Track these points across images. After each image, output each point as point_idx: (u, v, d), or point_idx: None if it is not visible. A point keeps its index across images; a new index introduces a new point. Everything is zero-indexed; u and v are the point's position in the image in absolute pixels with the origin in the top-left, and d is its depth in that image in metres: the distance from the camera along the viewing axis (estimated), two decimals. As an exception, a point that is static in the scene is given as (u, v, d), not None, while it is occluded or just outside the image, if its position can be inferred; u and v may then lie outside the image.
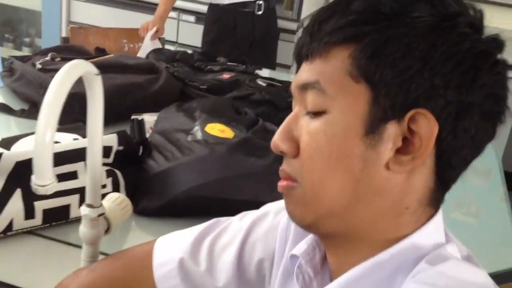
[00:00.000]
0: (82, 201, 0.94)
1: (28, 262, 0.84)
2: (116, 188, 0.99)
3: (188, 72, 1.71)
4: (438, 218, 0.49)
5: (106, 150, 0.98)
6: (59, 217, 0.94)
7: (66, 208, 0.94)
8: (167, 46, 2.35)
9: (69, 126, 1.12)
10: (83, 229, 0.70)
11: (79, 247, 0.89)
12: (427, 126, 0.44)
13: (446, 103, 0.44)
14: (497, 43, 0.46)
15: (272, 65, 2.47)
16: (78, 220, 0.92)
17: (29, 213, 0.90)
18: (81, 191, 0.94)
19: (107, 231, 0.73)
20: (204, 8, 2.55)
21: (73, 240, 0.90)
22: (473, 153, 0.47)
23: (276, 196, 0.57)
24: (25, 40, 3.39)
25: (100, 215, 0.70)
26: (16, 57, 1.60)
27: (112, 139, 1.01)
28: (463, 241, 0.53)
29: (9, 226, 0.88)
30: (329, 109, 0.46)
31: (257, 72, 1.85)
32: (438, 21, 0.44)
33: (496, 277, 0.60)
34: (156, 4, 2.32)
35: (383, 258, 0.47)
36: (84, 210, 0.70)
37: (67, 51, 1.65)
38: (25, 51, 3.27)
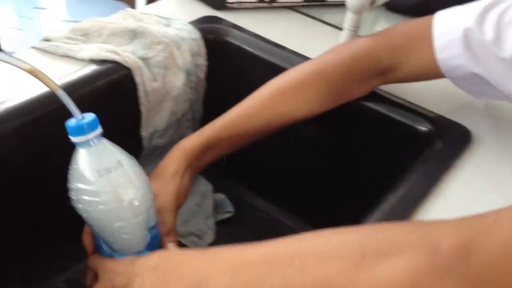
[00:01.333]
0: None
1: (286, 33, 0.91)
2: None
3: None
4: None
5: None
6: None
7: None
8: None
9: None
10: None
11: (333, 26, 0.94)
12: None
13: None
14: None
15: None
16: (335, 4, 0.97)
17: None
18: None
19: (374, 3, 0.76)
20: None
21: (328, 20, 0.96)
22: None
23: None
24: None
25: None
26: None
27: None
28: None
29: (275, -2, 0.97)
30: None
31: None
32: None
33: None
34: None
35: None
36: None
37: None
38: None
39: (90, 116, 0.50)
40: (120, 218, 0.52)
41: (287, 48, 0.85)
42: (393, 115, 0.74)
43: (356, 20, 0.78)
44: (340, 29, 0.82)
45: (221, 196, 0.90)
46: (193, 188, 0.88)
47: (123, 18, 0.82)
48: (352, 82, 0.72)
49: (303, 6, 1.00)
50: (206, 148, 0.67)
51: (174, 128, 0.83)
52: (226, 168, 0.96)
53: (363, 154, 0.80)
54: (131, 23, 0.79)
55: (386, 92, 0.76)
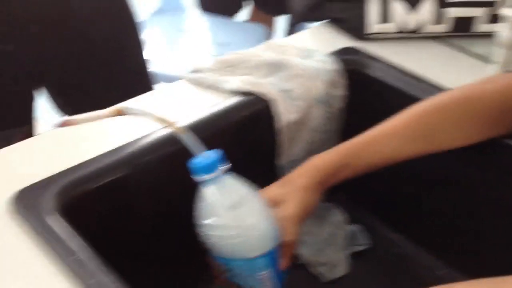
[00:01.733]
0: (491, 16, 0.94)
1: (428, 65, 0.88)
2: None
3: None
4: None
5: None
6: (465, 28, 0.95)
7: (474, 20, 0.94)
8: None
9: None
10: (501, 30, 0.70)
11: (481, 58, 0.89)
12: None
13: None
14: None
15: None
16: (482, 35, 0.92)
17: (439, 19, 0.93)
18: (491, 4, 0.92)
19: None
20: None
21: (475, 51, 0.91)
22: None
23: None
24: None
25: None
26: None
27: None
28: None
29: (418, 28, 0.94)
30: None
31: None
32: None
33: None
34: None
35: None
36: (508, 12, 0.69)
37: None
38: None
39: (213, 154, 0.51)
40: (248, 248, 0.54)
41: (429, 81, 0.82)
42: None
43: (508, 55, 0.74)
44: (487, 61, 0.78)
45: (356, 228, 0.88)
46: (327, 218, 0.88)
47: (265, 50, 0.85)
48: (505, 113, 0.66)
49: (447, 36, 0.96)
50: (339, 167, 0.66)
51: (311, 158, 0.84)
52: (361, 198, 0.95)
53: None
54: (273, 56, 0.82)
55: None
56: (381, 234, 0.91)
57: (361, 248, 0.86)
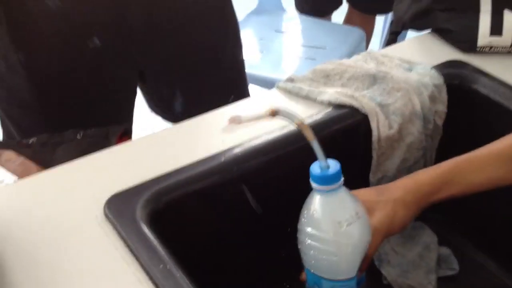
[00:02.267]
0: None
1: None
2: None
3: None
4: None
5: None
6: None
7: None
8: None
9: None
10: None
11: None
12: None
13: None
14: None
15: None
16: None
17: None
18: None
19: None
20: None
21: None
22: None
23: None
24: None
25: None
26: None
27: None
28: None
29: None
30: None
31: None
32: None
33: None
34: None
35: None
36: None
37: None
38: None
39: (336, 166, 0.50)
40: (338, 270, 0.52)
41: (543, 102, 0.76)
42: None
43: None
44: None
45: (446, 251, 0.84)
46: (417, 238, 0.84)
47: (364, 60, 0.83)
48: None
49: None
50: (441, 185, 0.62)
51: (404, 175, 0.81)
52: (453, 220, 0.90)
53: None
54: (372, 67, 0.79)
55: None
56: (472, 259, 0.86)
57: (451, 273, 0.82)
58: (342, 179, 0.51)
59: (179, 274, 0.50)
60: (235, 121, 0.48)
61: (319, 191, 0.50)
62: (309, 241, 0.51)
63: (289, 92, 0.78)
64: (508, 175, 0.64)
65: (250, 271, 0.74)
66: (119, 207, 0.57)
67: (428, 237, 0.84)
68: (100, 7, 0.86)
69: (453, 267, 0.83)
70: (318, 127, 0.73)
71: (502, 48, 0.87)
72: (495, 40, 0.87)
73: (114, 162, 0.66)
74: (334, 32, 1.74)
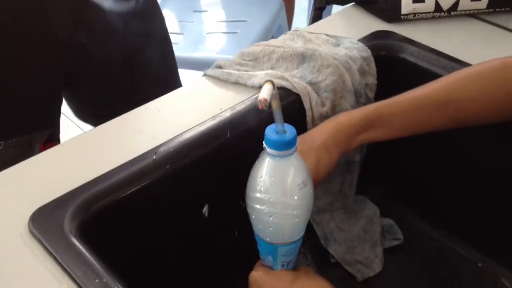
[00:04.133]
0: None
1: (467, 43, 0.83)
2: None
3: None
4: None
5: None
6: (504, 3, 0.89)
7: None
8: None
9: None
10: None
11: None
12: None
13: None
14: None
15: None
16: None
17: (477, -6, 0.87)
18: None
19: None
20: None
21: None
22: None
23: None
24: None
25: None
26: None
27: None
28: None
29: (455, 5, 0.88)
30: None
31: None
32: None
33: None
34: None
35: None
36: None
37: None
38: None
39: (292, 130, 0.49)
40: (296, 230, 0.53)
41: (470, 64, 0.77)
42: None
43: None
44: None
45: (389, 222, 0.85)
46: (360, 212, 0.84)
47: (291, 39, 0.81)
48: None
49: (486, 13, 0.90)
50: (364, 126, 0.63)
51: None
52: (394, 190, 0.91)
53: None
54: (299, 45, 0.77)
55: None
56: (415, 227, 0.87)
57: (396, 243, 0.83)
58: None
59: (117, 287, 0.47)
60: (264, 104, 0.45)
61: (278, 156, 0.49)
62: (268, 208, 0.50)
63: (217, 79, 0.75)
64: (429, 120, 0.64)
65: (194, 278, 0.72)
66: (45, 221, 0.53)
67: (370, 210, 0.84)
68: None
69: (397, 237, 0.83)
70: (251, 112, 0.71)
71: (426, 13, 0.88)
72: (419, 7, 0.87)
73: (38, 172, 0.61)
74: (253, 4, 1.76)
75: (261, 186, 0.50)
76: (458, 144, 0.80)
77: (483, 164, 0.78)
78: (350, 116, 0.63)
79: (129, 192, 0.57)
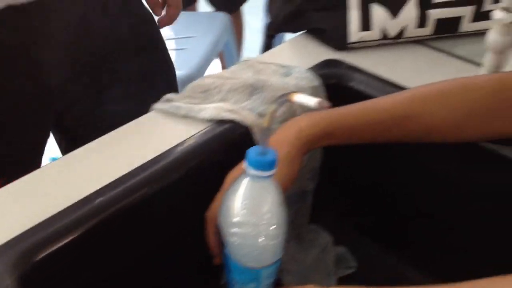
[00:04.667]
0: (476, 14, 0.90)
1: (413, 69, 0.85)
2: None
3: None
4: None
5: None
6: (449, 29, 0.91)
7: (458, 21, 0.90)
8: None
9: None
10: (492, 35, 0.66)
11: (467, 60, 0.85)
12: None
13: None
14: None
15: None
16: (466, 34, 0.88)
17: (422, 22, 0.89)
18: (477, 2, 0.88)
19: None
20: None
21: (460, 53, 0.87)
22: None
23: None
24: None
25: (516, 24, 0.63)
26: None
27: None
28: None
29: (401, 33, 0.89)
30: None
31: None
32: None
33: None
34: None
35: None
36: (497, 15, 0.65)
37: None
38: None
39: (272, 150, 0.49)
40: (271, 254, 0.52)
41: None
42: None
43: (498, 59, 0.70)
44: (476, 63, 0.74)
45: (342, 250, 0.85)
46: (313, 241, 0.84)
47: (241, 69, 0.80)
48: (501, 110, 0.61)
49: (431, 39, 0.92)
50: (325, 135, 0.62)
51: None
52: (348, 217, 0.91)
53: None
54: (249, 77, 0.77)
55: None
56: (370, 254, 0.88)
57: (349, 271, 0.83)
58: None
59: None
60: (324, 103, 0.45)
61: (262, 177, 0.49)
62: (253, 231, 0.50)
63: (166, 113, 0.74)
64: (387, 133, 0.64)
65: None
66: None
67: (324, 239, 0.84)
68: None
69: (350, 265, 0.84)
70: (201, 146, 0.70)
71: (373, 41, 0.89)
72: (366, 35, 0.88)
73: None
74: (200, 20, 1.88)
75: (245, 209, 0.49)
76: (407, 168, 0.81)
77: (434, 188, 0.79)
78: (312, 123, 0.62)
79: (74, 236, 0.55)
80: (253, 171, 0.48)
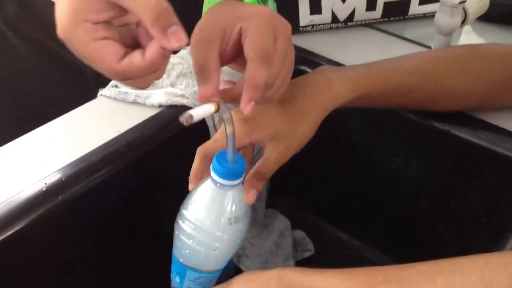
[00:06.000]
0: (423, -3, 0.91)
1: (364, 52, 0.85)
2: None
3: None
4: None
5: None
6: (397, 12, 0.92)
7: (406, 4, 0.91)
8: None
9: None
10: (440, 17, 0.67)
11: (416, 42, 0.87)
12: None
13: None
14: None
15: None
16: (415, 17, 0.89)
17: (371, 5, 0.89)
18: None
19: (463, 22, 0.68)
20: None
21: (409, 36, 0.89)
22: None
23: None
24: None
25: (461, 2, 0.64)
26: None
27: None
28: None
29: (351, 16, 0.90)
30: None
31: None
32: None
33: None
34: None
35: None
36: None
37: None
38: None
39: (243, 162, 0.47)
40: (218, 261, 0.51)
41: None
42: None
43: (447, 40, 0.71)
44: (425, 46, 0.75)
45: (300, 233, 0.85)
46: (271, 226, 0.84)
47: (190, 54, 0.79)
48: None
49: (381, 22, 0.92)
50: (355, 100, 0.58)
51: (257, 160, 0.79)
52: (305, 200, 0.91)
53: (465, 190, 0.72)
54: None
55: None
56: (327, 237, 0.88)
57: (307, 254, 0.83)
58: (243, 175, 0.48)
59: None
60: (188, 121, 0.41)
61: (219, 184, 0.47)
62: (191, 230, 0.48)
63: (114, 99, 0.72)
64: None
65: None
66: None
67: (281, 223, 0.84)
68: None
69: (309, 248, 0.84)
70: (152, 132, 0.68)
71: (324, 25, 0.89)
72: (316, 18, 0.88)
73: None
74: None
75: (193, 207, 0.48)
76: (361, 150, 0.81)
77: (386, 171, 0.80)
78: (349, 87, 0.57)
79: (12, 232, 0.52)
80: (213, 176, 0.46)
